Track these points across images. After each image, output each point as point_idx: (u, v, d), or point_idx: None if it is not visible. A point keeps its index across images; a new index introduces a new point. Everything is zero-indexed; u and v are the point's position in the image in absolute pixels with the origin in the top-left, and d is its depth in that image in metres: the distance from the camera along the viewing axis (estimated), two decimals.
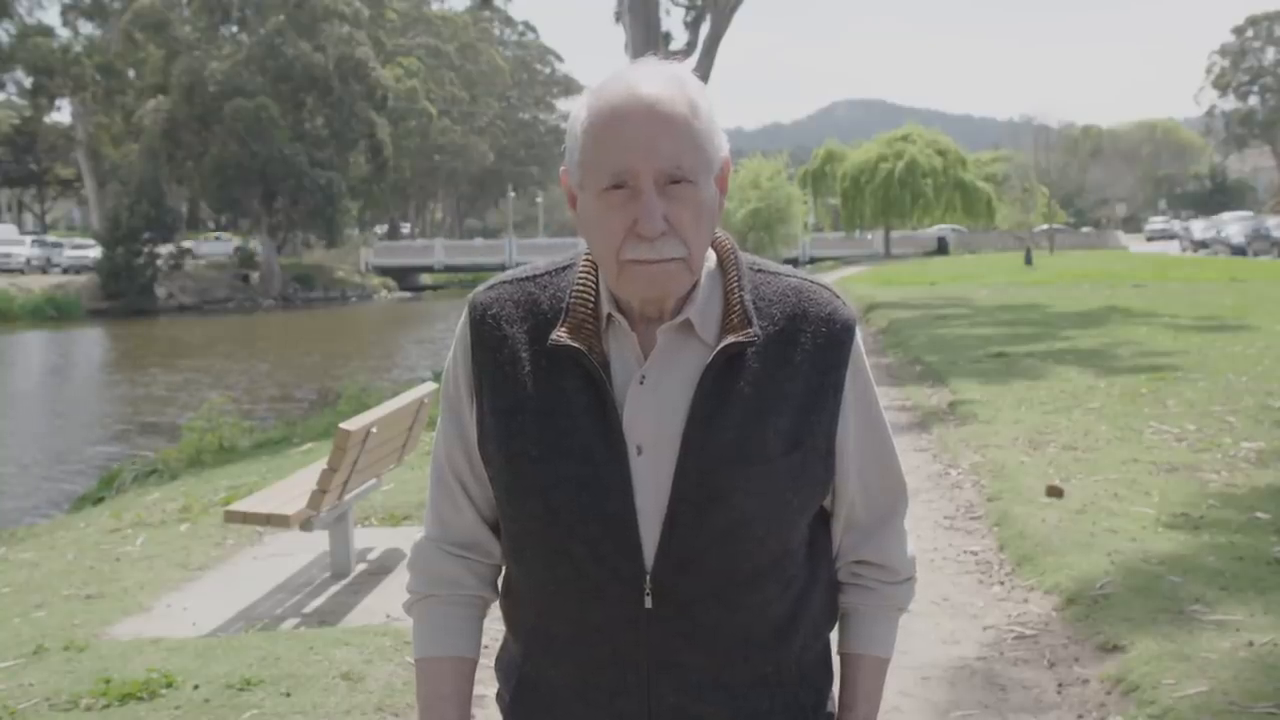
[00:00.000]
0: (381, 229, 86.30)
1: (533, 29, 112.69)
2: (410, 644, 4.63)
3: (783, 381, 1.52)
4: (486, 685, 4.47)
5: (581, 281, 1.56)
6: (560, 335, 1.51)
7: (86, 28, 61.98)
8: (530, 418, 1.52)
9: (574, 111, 1.52)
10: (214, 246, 62.57)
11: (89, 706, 4.07)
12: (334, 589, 5.85)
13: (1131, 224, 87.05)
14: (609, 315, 1.52)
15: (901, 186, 59.55)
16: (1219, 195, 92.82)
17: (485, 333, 1.57)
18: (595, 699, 1.57)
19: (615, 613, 1.52)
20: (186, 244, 56.72)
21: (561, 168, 1.56)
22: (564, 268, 1.60)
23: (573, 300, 1.54)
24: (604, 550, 1.50)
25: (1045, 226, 55.78)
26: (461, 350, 1.59)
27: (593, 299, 1.54)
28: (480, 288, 1.62)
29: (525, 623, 1.65)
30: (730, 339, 1.50)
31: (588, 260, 1.58)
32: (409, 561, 1.70)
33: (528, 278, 1.60)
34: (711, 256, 1.58)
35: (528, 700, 1.68)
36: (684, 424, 1.49)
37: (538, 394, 1.52)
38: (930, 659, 4.58)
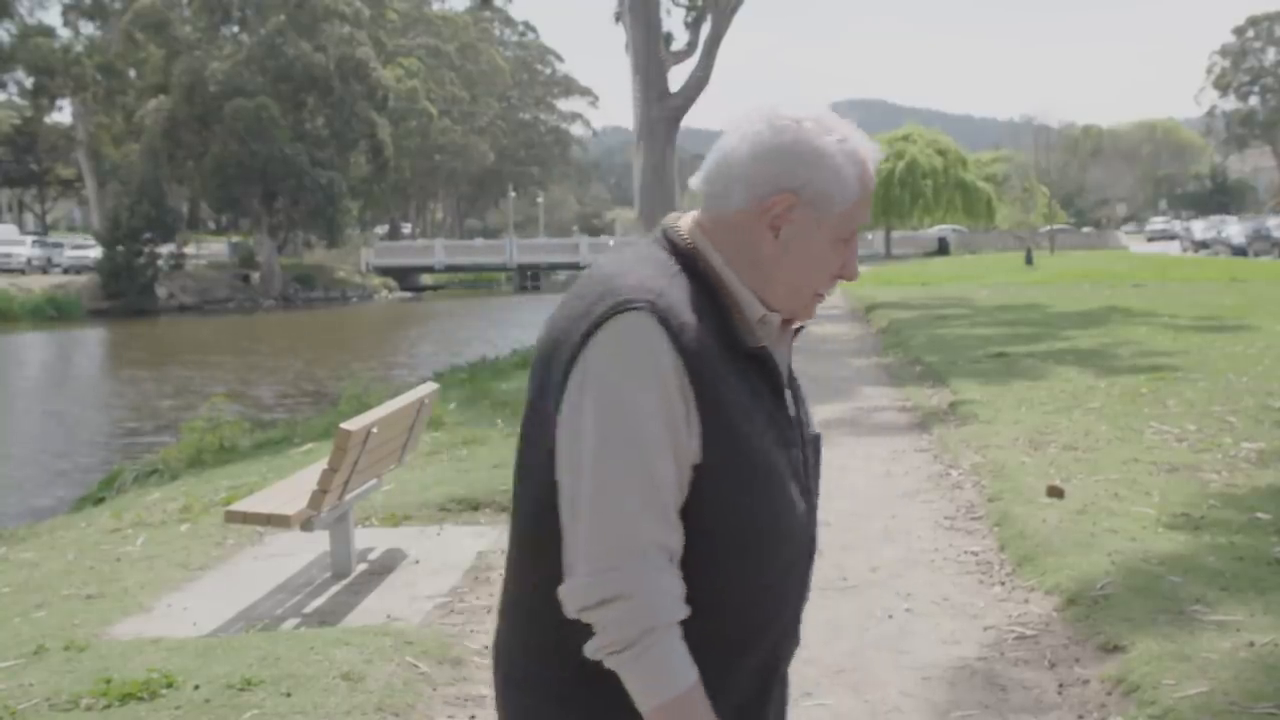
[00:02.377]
0: (382, 229, 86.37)
1: (533, 29, 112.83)
2: (411, 644, 4.65)
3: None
4: (486, 685, 4.48)
5: (716, 286, 1.64)
6: (751, 337, 1.64)
7: (87, 28, 62.05)
8: (754, 416, 1.61)
9: (823, 144, 1.62)
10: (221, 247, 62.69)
11: (89, 706, 4.07)
12: (334, 589, 5.85)
13: (1132, 224, 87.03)
14: (763, 317, 1.66)
15: (902, 187, 59.55)
16: (1219, 195, 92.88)
17: (686, 340, 1.55)
18: (769, 672, 1.73)
19: (800, 589, 1.75)
20: (188, 249, 56.76)
21: (780, 193, 1.62)
22: (675, 273, 1.62)
23: (728, 304, 1.64)
24: (809, 534, 1.73)
25: (1049, 228, 55.77)
26: (669, 359, 1.53)
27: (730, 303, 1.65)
28: (643, 295, 1.55)
29: (709, 629, 1.60)
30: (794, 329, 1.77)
31: (705, 265, 1.65)
32: (638, 589, 1.51)
33: (667, 283, 1.60)
34: None
35: (717, 705, 1.60)
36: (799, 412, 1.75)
37: (749, 394, 1.61)
38: (930, 659, 4.58)
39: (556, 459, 1.57)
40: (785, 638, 1.73)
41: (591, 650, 1.54)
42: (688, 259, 1.65)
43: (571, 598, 1.54)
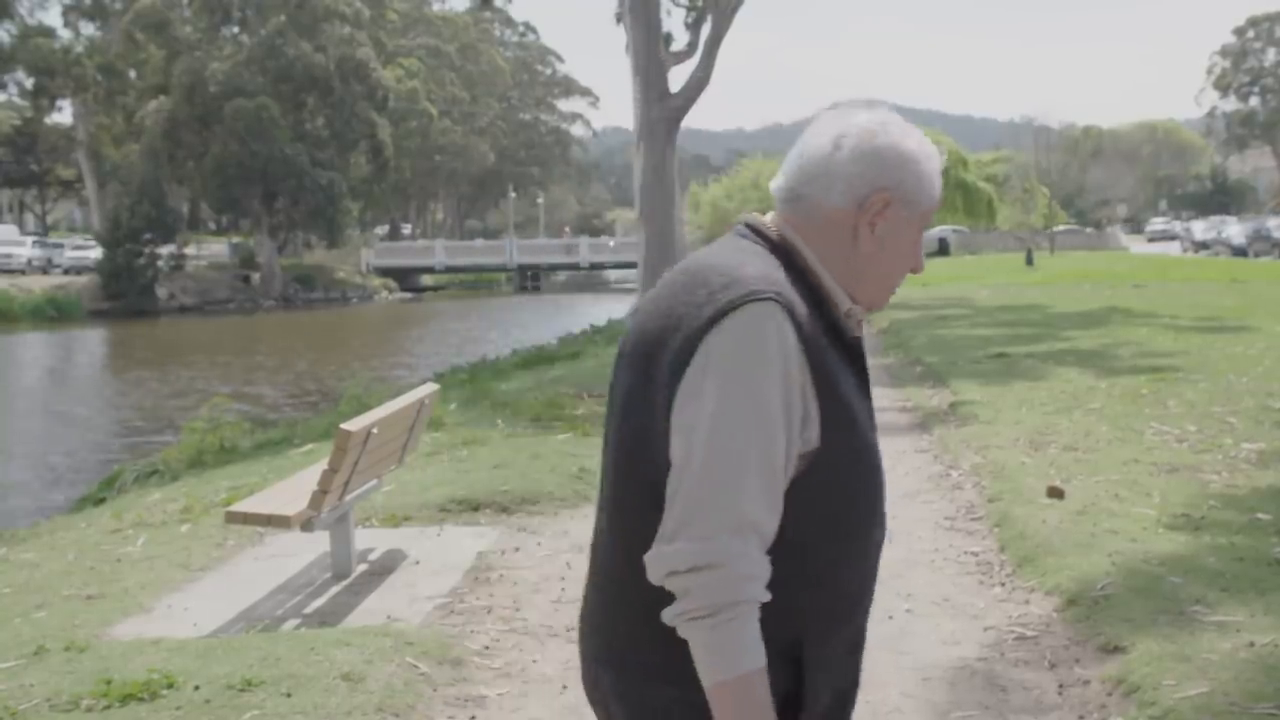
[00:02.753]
0: (382, 230, 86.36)
1: (533, 30, 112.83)
2: (412, 645, 4.65)
3: None
4: (486, 685, 4.49)
5: (812, 280, 1.74)
6: (849, 328, 1.77)
7: (88, 28, 62.03)
8: (856, 403, 1.72)
9: (903, 151, 1.75)
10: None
11: (90, 707, 4.07)
12: (335, 590, 5.85)
13: (1132, 225, 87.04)
14: (848, 310, 1.76)
15: None
16: (1220, 196, 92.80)
17: (807, 331, 1.64)
18: (856, 648, 1.85)
19: (877, 571, 1.84)
20: (189, 249, 56.77)
21: (878, 192, 1.73)
22: (777, 266, 1.71)
23: (824, 296, 1.74)
24: (883, 514, 1.82)
25: (1062, 228, 55.79)
26: (794, 349, 1.62)
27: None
28: (770, 286, 1.64)
29: (816, 601, 1.70)
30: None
31: (800, 260, 1.74)
32: (732, 561, 1.56)
33: (781, 276, 1.69)
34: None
35: (818, 684, 1.70)
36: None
37: (854, 382, 1.74)
38: (931, 660, 4.58)
39: (671, 437, 1.61)
40: (867, 616, 1.85)
41: (671, 615, 1.59)
42: (783, 253, 1.75)
43: (662, 562, 1.59)
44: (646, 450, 1.65)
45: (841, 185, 1.73)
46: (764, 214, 1.83)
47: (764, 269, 1.67)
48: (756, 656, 1.57)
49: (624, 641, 1.72)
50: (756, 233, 1.78)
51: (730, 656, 1.56)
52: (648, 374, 1.66)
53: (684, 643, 1.60)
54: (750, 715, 1.58)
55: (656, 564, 1.59)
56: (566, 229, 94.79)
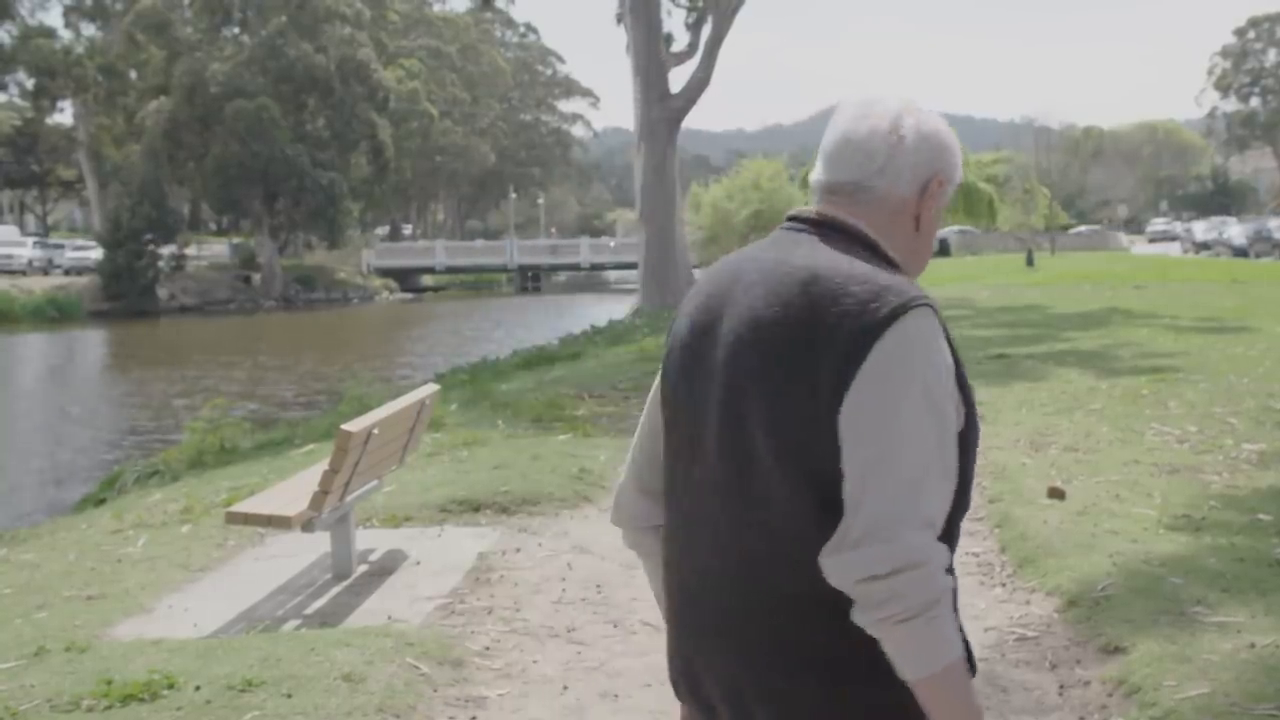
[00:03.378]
0: (383, 230, 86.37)
1: (534, 30, 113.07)
2: (412, 645, 4.65)
3: None
4: (487, 686, 4.49)
5: (896, 272, 1.76)
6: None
7: (88, 29, 62.14)
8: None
9: (943, 133, 1.83)
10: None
11: (90, 708, 4.07)
12: (335, 590, 5.85)
13: (1133, 225, 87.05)
14: None
15: None
16: (1220, 197, 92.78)
17: (948, 332, 1.72)
18: None
19: None
20: (189, 250, 56.79)
21: (934, 177, 1.82)
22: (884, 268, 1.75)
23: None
24: None
25: (1081, 228, 55.73)
26: (949, 349, 1.69)
27: None
28: (917, 293, 1.67)
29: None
30: None
31: (884, 253, 1.77)
32: (931, 558, 1.58)
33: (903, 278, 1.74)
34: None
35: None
36: None
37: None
38: None
39: (845, 441, 1.61)
40: None
41: (870, 619, 1.58)
42: (873, 249, 1.77)
43: (854, 568, 1.57)
44: (806, 452, 1.64)
45: (909, 174, 1.79)
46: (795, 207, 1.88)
47: (896, 276, 1.71)
48: (959, 643, 1.61)
49: (780, 643, 1.69)
50: (836, 228, 1.78)
51: (938, 649, 1.58)
52: (795, 372, 1.66)
53: (861, 641, 1.61)
54: (960, 701, 1.61)
55: (847, 570, 1.58)
56: (553, 230, 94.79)
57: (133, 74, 59.71)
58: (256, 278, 57.24)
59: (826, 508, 1.62)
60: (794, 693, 1.67)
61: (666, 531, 1.87)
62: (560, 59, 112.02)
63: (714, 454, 1.74)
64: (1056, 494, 6.69)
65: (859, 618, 1.59)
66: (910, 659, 1.58)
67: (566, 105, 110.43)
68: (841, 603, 1.61)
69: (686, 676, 1.82)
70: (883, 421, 1.60)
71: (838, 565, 1.59)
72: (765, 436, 1.67)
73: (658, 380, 1.92)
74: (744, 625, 1.71)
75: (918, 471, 1.60)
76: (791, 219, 1.84)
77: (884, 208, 1.79)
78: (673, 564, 1.84)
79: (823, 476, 1.63)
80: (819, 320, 1.64)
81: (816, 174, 1.85)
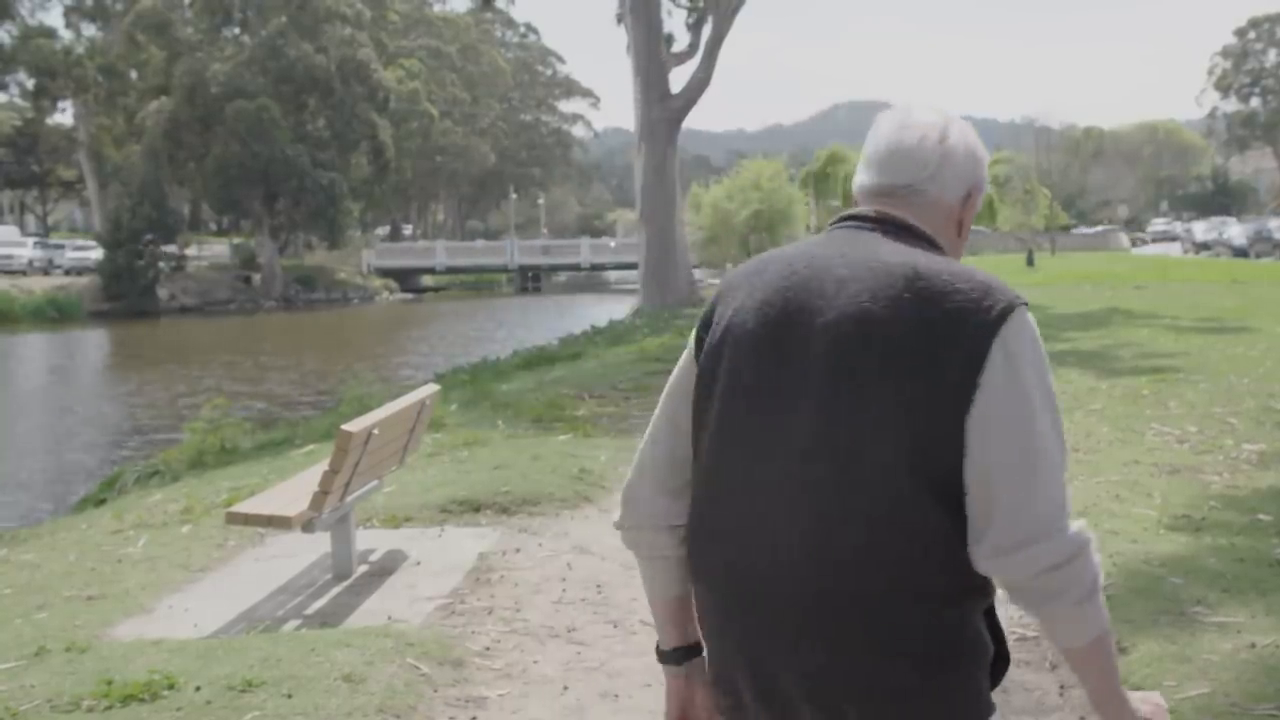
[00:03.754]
0: (383, 230, 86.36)
1: (534, 30, 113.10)
2: (413, 645, 4.65)
3: None
4: (487, 686, 4.49)
5: None
6: None
7: (89, 29, 62.12)
8: None
9: (980, 145, 1.93)
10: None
11: (90, 708, 4.07)
12: (335, 590, 5.85)
13: (1133, 225, 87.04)
14: None
15: None
16: (1221, 197, 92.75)
17: None
18: None
19: None
20: (190, 250, 56.80)
21: (975, 184, 1.93)
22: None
23: None
24: None
25: (1091, 229, 55.67)
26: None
27: None
28: (1012, 289, 1.75)
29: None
30: None
31: (941, 254, 1.85)
32: (1089, 544, 1.68)
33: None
34: None
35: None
36: None
37: None
38: None
39: (983, 444, 1.66)
40: None
41: (1045, 606, 1.68)
42: (934, 246, 1.85)
43: (1034, 563, 1.65)
44: (925, 447, 1.66)
45: (955, 182, 1.88)
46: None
47: (987, 273, 1.80)
48: (1106, 611, 1.73)
49: (875, 637, 1.68)
50: (898, 226, 1.84)
51: (1100, 618, 1.70)
52: (915, 370, 1.67)
53: (951, 631, 1.71)
54: (1112, 656, 1.76)
55: (1026, 566, 1.65)
56: (544, 230, 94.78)
57: (133, 74, 59.71)
58: (257, 278, 57.24)
59: (940, 500, 1.66)
60: (890, 685, 1.68)
61: (711, 529, 1.82)
62: (560, 59, 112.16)
63: (805, 446, 1.71)
64: None
65: (1029, 605, 1.70)
66: (1077, 631, 1.70)
67: (567, 105, 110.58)
68: (937, 594, 1.68)
69: (756, 678, 1.77)
70: (1023, 425, 1.67)
71: (1013, 563, 1.65)
72: (876, 430, 1.67)
73: (681, 379, 1.91)
74: (835, 621, 1.69)
75: (1059, 467, 1.69)
76: (849, 218, 1.88)
77: (936, 211, 1.87)
78: (728, 564, 1.79)
79: (939, 470, 1.66)
80: (933, 317, 1.68)
81: (864, 179, 1.90)
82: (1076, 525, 1.66)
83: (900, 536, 1.66)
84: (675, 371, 1.93)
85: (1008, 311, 1.69)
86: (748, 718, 1.81)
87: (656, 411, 1.96)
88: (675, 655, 1.98)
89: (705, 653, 1.90)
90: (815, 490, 1.69)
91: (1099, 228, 70.55)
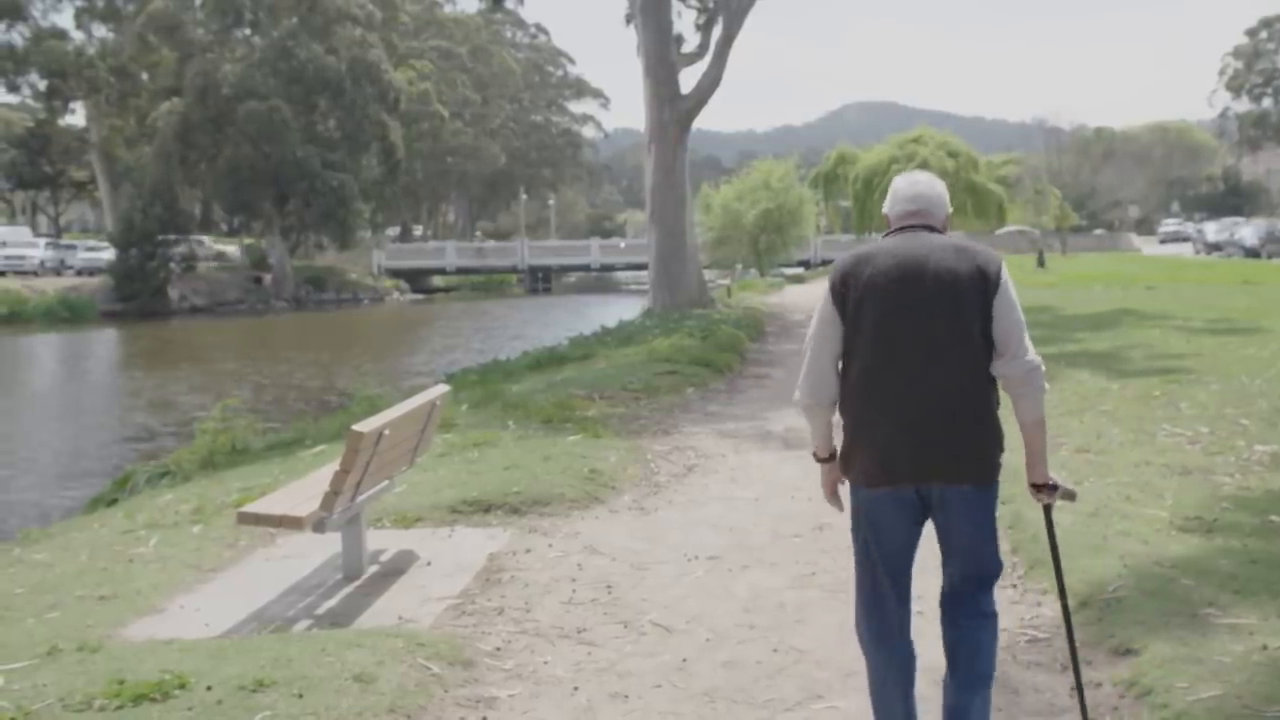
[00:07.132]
0: (393, 231, 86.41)
1: (544, 31, 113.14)
2: (423, 646, 4.65)
3: None
4: (497, 686, 4.49)
5: None
6: None
7: (100, 31, 62.19)
8: None
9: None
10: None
11: (102, 707, 4.08)
12: (346, 590, 5.86)
13: (1145, 226, 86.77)
14: None
15: None
16: (1232, 198, 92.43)
17: None
18: None
19: None
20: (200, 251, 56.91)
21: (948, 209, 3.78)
22: None
23: None
24: None
25: (1105, 231, 55.39)
26: None
27: None
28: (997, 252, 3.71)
29: None
30: None
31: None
32: (1040, 360, 3.54)
33: None
34: None
35: None
36: None
37: None
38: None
39: (998, 315, 3.42)
40: None
41: (1029, 389, 3.48)
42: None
43: (1029, 364, 3.44)
44: (978, 324, 3.42)
45: (945, 208, 3.70)
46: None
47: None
48: None
49: (977, 419, 3.50)
50: (937, 230, 3.62)
51: (1043, 406, 3.55)
52: (974, 291, 3.41)
53: (994, 401, 3.56)
54: (1045, 433, 3.67)
55: (1026, 365, 3.44)
56: (554, 231, 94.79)
57: (144, 75, 59.88)
58: (267, 278, 57.36)
59: (987, 344, 3.44)
60: (985, 443, 3.54)
61: (882, 384, 3.45)
62: (571, 60, 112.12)
63: (941, 334, 3.41)
64: (1068, 495, 6.66)
65: (1021, 389, 3.48)
66: (1035, 408, 3.51)
67: (577, 106, 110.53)
68: (987, 385, 3.49)
69: (914, 465, 3.46)
70: (1012, 308, 3.44)
71: (1018, 366, 3.44)
72: (969, 320, 3.42)
73: (828, 316, 3.52)
74: (962, 415, 3.46)
75: (1026, 329, 3.49)
76: (906, 227, 3.60)
77: (945, 225, 3.67)
78: (900, 397, 3.42)
79: (986, 331, 3.43)
80: (976, 268, 3.43)
81: (908, 207, 3.62)
82: (1035, 352, 3.46)
83: (982, 365, 3.46)
84: (819, 314, 3.55)
85: (1001, 262, 3.50)
86: (897, 480, 3.48)
87: (811, 342, 3.57)
88: (829, 459, 3.74)
89: (864, 451, 3.49)
90: (948, 352, 3.42)
91: (1098, 232, 70.27)
